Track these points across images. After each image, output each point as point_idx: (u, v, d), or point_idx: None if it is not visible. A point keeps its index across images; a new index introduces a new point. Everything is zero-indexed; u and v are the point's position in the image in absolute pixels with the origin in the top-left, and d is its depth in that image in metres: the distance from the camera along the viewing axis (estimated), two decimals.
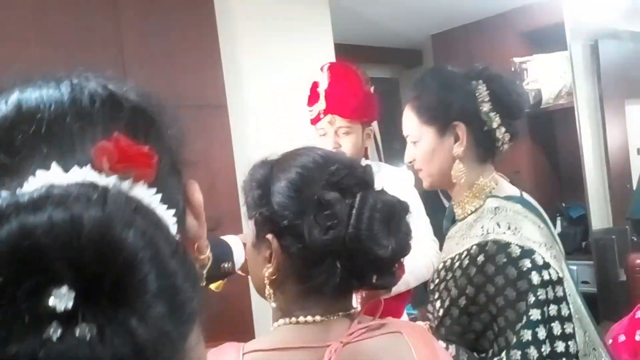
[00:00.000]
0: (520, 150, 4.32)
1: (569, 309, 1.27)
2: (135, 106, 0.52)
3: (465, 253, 1.35)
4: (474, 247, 1.32)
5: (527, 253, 1.26)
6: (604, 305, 3.74)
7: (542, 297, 1.24)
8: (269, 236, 0.97)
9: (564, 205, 4.34)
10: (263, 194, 1.00)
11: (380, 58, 4.94)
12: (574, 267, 4.12)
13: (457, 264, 1.37)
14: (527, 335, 1.22)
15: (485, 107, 1.41)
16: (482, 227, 1.35)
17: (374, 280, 0.98)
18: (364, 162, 2.18)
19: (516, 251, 1.27)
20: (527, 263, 1.25)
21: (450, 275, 1.38)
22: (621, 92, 3.82)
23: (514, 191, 1.48)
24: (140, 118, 0.52)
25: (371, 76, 4.75)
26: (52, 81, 0.50)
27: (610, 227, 3.88)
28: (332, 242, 0.92)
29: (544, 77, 4.03)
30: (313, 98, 2.07)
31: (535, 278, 1.24)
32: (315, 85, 2.10)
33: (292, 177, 0.98)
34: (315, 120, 2.07)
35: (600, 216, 3.89)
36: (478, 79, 1.43)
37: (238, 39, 3.00)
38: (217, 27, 2.82)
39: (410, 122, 1.49)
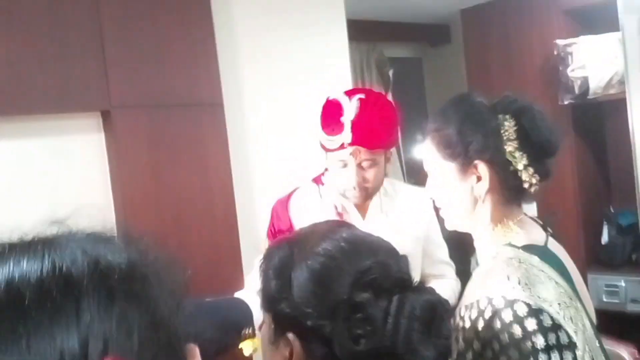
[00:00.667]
0: (563, 148, 4.15)
1: None
2: (124, 276, 0.59)
3: (475, 304, 1.35)
4: (483, 298, 1.32)
5: (535, 312, 1.27)
6: None
7: None
8: (290, 335, 0.97)
9: (612, 211, 4.22)
10: (282, 285, 0.99)
11: (401, 35, 4.85)
12: (622, 284, 3.97)
13: (466, 314, 1.37)
14: None
15: (511, 147, 1.40)
16: (493, 279, 1.36)
17: None
18: (390, 180, 2.20)
19: (523, 310, 1.27)
20: (533, 324, 1.26)
21: (460, 324, 1.39)
22: None
23: (540, 238, 1.47)
24: (132, 300, 0.58)
25: (391, 56, 4.72)
26: (33, 252, 0.59)
27: None
28: (366, 354, 0.92)
29: (591, 62, 3.85)
30: (334, 127, 1.97)
31: (539, 341, 1.25)
32: (331, 106, 2.01)
33: (316, 268, 0.97)
34: (333, 150, 1.99)
35: None
36: (506, 112, 1.43)
37: (237, 33, 2.90)
38: (212, 20, 2.72)
39: (431, 157, 1.49)
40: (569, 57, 3.91)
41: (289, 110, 2.94)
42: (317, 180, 2.19)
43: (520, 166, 1.40)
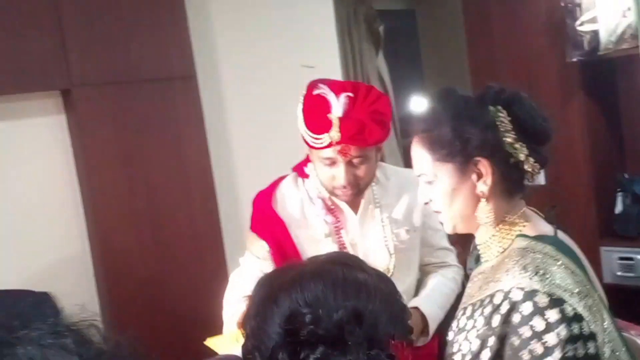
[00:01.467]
0: (571, 110, 4.20)
1: None
2: None
3: (488, 299, 1.40)
4: (498, 293, 1.37)
5: (556, 302, 1.31)
6: None
7: (570, 354, 1.29)
8: None
9: (626, 177, 4.22)
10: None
11: None
12: (638, 257, 4.04)
13: (478, 311, 1.42)
14: None
15: (510, 138, 1.44)
16: (506, 271, 1.40)
17: None
18: (380, 165, 2.18)
19: (544, 300, 1.31)
20: (555, 314, 1.30)
21: (471, 324, 1.43)
22: None
23: (548, 229, 1.50)
24: None
25: (380, 9, 4.72)
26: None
27: None
28: None
29: (602, 14, 3.85)
30: (320, 123, 1.96)
31: (563, 332, 1.29)
32: (317, 101, 1.98)
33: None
34: (320, 147, 1.97)
35: None
36: (495, 103, 1.46)
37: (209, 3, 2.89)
38: None
39: (423, 161, 1.51)
40: (577, 8, 3.90)
41: (270, 82, 2.94)
42: (300, 172, 2.18)
43: (522, 157, 1.44)
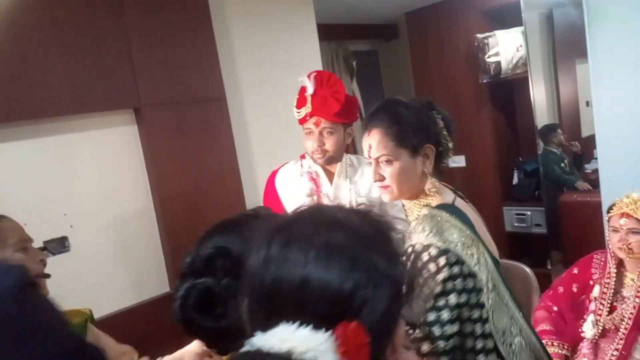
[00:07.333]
0: (483, 115, 4.15)
1: (478, 298, 1.30)
2: None
3: (410, 249, 1.37)
4: (410, 247, 1.35)
5: (443, 252, 1.29)
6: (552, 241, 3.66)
7: (449, 287, 1.27)
8: None
9: (520, 159, 4.20)
10: None
11: (361, 34, 4.71)
12: (528, 213, 4.00)
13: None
14: (432, 316, 1.26)
15: (445, 131, 1.44)
16: (415, 232, 1.38)
17: None
18: (346, 156, 2.06)
19: (434, 251, 1.29)
20: (442, 260, 1.28)
21: None
22: (572, 53, 3.54)
23: (449, 199, 1.46)
24: None
25: (354, 50, 4.62)
26: None
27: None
28: None
29: (502, 50, 3.79)
30: (301, 101, 1.99)
31: (447, 272, 1.27)
32: (303, 89, 2.00)
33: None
34: (302, 121, 1.99)
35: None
36: (430, 109, 1.44)
37: (232, 43, 2.78)
38: (214, 33, 2.62)
39: (385, 145, 1.43)
40: (486, 46, 3.85)
41: (277, 102, 2.84)
42: (302, 156, 2.14)
43: (450, 144, 1.44)
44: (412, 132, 1.40)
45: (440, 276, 1.26)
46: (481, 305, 1.30)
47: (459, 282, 1.27)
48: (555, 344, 2.11)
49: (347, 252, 0.63)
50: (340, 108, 1.92)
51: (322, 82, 1.95)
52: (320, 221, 0.68)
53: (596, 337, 2.07)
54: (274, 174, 2.16)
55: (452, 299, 1.26)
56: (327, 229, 0.66)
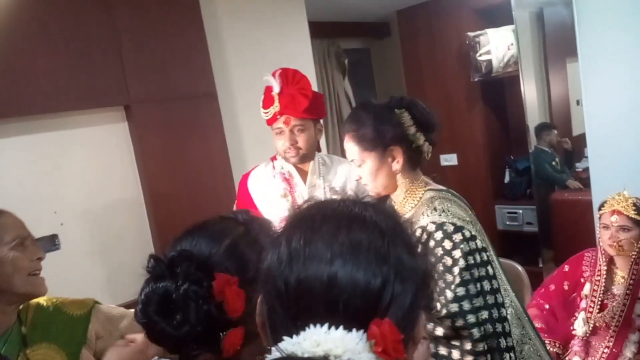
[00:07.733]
0: (474, 113, 4.15)
1: (494, 270, 1.35)
2: None
3: (419, 231, 1.37)
4: (418, 229, 1.36)
5: (459, 229, 1.33)
6: (543, 239, 3.67)
7: (471, 261, 1.31)
8: None
9: (512, 158, 4.20)
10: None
11: (353, 32, 4.69)
12: (520, 211, 4.01)
13: None
14: (461, 291, 1.29)
15: (412, 130, 1.43)
16: (422, 214, 1.39)
17: None
18: (318, 155, 2.04)
19: (450, 228, 1.33)
20: (459, 237, 1.32)
21: None
22: (563, 52, 3.55)
23: (442, 187, 1.52)
24: None
25: (346, 47, 4.61)
26: None
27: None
28: None
29: (494, 48, 3.79)
30: (268, 101, 1.91)
31: (465, 248, 1.31)
32: (268, 89, 1.92)
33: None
34: (271, 121, 1.91)
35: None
36: (400, 107, 1.44)
37: (223, 40, 2.76)
38: (204, 31, 2.59)
39: (353, 150, 1.48)
40: (477, 45, 3.85)
41: None
42: (273, 158, 2.06)
43: (421, 142, 1.44)
44: (374, 135, 1.42)
45: (458, 252, 1.30)
46: (494, 277, 1.34)
47: (477, 256, 1.31)
48: (546, 341, 2.12)
49: (372, 247, 0.60)
50: (308, 104, 1.86)
51: (288, 79, 1.89)
52: (339, 216, 0.64)
53: (587, 335, 2.08)
54: (245, 178, 2.08)
55: (475, 272, 1.30)
56: (347, 224, 0.62)
